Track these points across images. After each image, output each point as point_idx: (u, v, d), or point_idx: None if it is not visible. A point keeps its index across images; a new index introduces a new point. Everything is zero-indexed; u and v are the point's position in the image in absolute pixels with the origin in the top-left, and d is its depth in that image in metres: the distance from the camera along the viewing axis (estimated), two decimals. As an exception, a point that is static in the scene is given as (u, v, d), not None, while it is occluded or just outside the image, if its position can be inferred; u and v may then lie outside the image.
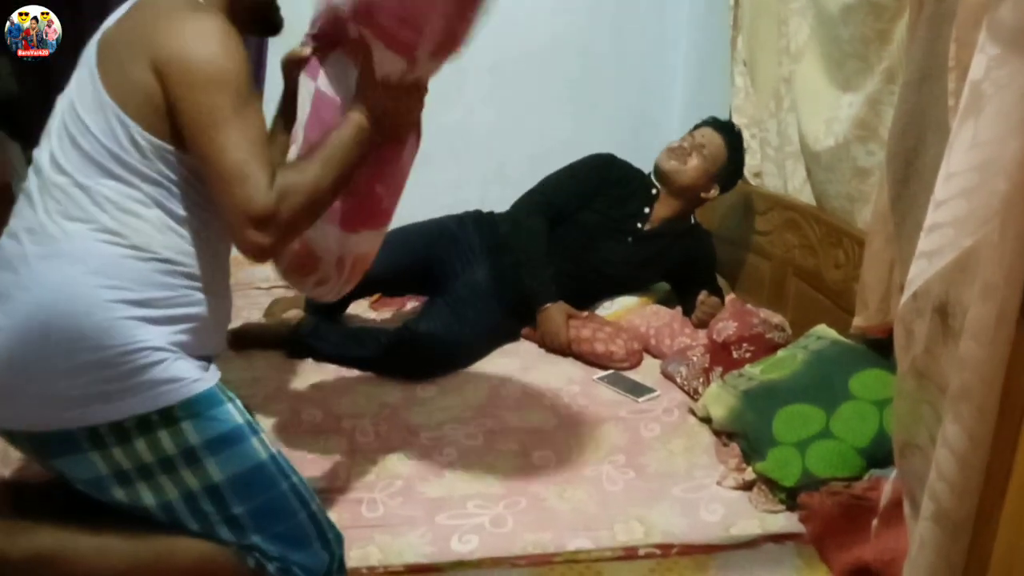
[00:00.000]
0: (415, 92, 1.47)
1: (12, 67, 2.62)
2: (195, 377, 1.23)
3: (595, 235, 2.52)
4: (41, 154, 1.26)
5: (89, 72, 1.23)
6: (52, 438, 1.21)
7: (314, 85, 1.44)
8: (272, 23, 1.44)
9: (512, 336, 2.45)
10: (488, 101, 3.22)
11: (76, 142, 1.21)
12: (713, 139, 2.53)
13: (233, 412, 1.27)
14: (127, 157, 1.20)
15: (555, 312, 2.33)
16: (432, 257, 2.48)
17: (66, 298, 1.16)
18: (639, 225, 2.56)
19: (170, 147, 1.21)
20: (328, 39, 1.43)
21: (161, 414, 1.20)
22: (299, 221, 1.24)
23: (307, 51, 1.43)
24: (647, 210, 2.57)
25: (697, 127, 2.61)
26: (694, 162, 2.51)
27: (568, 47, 3.26)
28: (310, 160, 1.27)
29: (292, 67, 1.47)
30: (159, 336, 1.21)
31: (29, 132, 2.66)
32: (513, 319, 2.43)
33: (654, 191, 2.58)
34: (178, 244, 1.25)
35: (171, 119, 1.20)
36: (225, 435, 1.25)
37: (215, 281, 1.32)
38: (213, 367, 1.31)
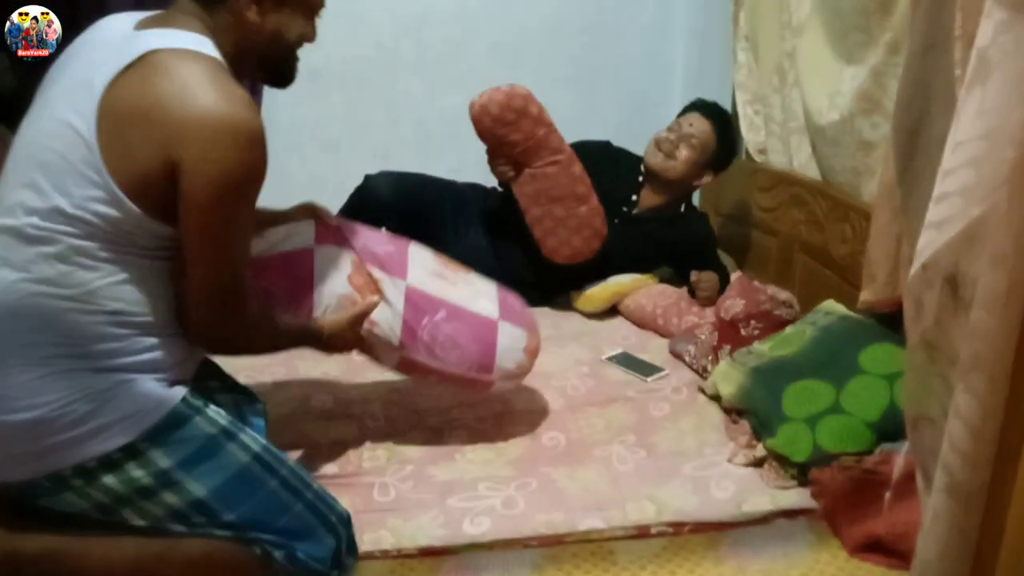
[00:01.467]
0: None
1: (10, 61, 2.62)
2: (151, 406, 1.18)
3: None
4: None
5: (81, 122, 1.13)
6: (23, 486, 1.18)
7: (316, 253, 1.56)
8: (287, 75, 1.39)
9: None
10: (488, 82, 3.20)
11: (39, 188, 1.14)
12: (701, 126, 2.50)
13: (203, 424, 1.23)
14: (93, 214, 1.13)
15: None
16: (440, 207, 2.53)
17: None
18: (625, 209, 2.57)
19: (148, 218, 1.15)
20: (359, 252, 1.59)
21: (123, 450, 1.17)
22: (231, 346, 1.38)
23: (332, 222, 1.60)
24: (634, 197, 2.58)
25: (683, 113, 2.59)
26: (683, 154, 2.49)
27: (568, 25, 3.23)
28: (268, 326, 1.43)
29: (310, 214, 1.61)
30: (102, 380, 1.16)
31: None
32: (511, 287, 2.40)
33: (641, 178, 2.57)
34: (128, 294, 1.18)
35: (164, 199, 1.15)
36: (198, 451, 1.21)
37: (172, 323, 1.25)
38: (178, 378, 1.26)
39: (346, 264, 1.57)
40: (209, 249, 1.18)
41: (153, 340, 1.22)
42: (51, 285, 1.13)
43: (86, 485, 1.17)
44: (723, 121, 2.54)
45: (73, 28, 2.07)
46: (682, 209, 2.66)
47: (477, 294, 1.73)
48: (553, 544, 1.46)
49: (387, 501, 1.54)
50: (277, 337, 1.44)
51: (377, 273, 1.58)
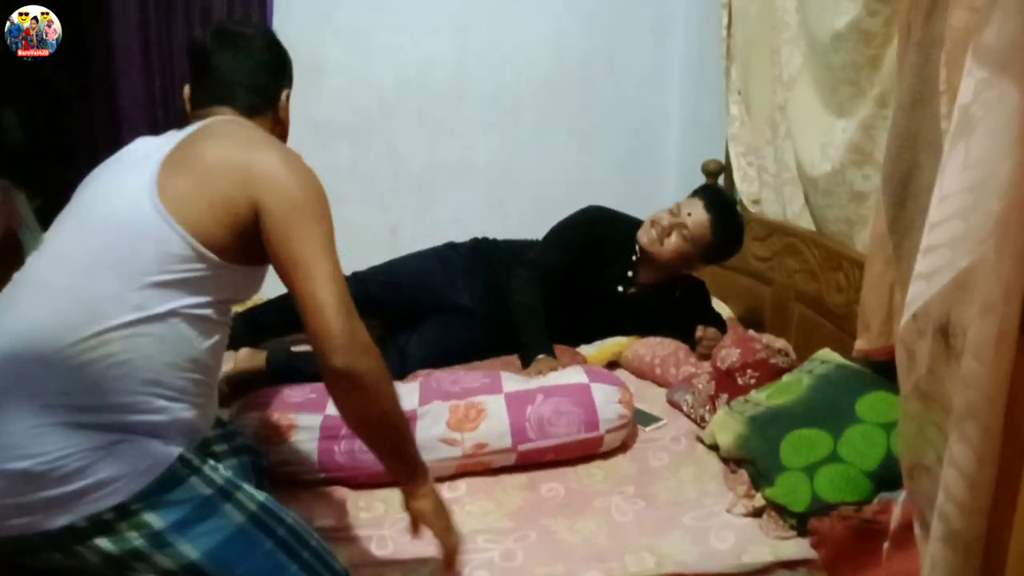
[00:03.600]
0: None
1: (19, 118, 2.66)
2: (146, 466, 1.17)
3: (580, 295, 2.53)
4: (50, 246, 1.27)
5: (143, 191, 1.22)
6: (14, 542, 1.16)
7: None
8: None
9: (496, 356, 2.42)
10: (488, 134, 3.26)
11: (91, 252, 1.21)
12: (699, 217, 2.38)
13: (198, 485, 1.21)
14: (142, 269, 1.19)
15: (543, 366, 2.19)
16: (423, 282, 2.53)
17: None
18: (621, 289, 2.55)
19: (216, 259, 1.24)
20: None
21: (115, 511, 1.14)
22: (372, 363, 1.26)
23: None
24: (630, 273, 2.55)
25: (691, 196, 2.47)
26: (672, 243, 2.40)
27: (565, 78, 3.30)
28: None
29: None
30: (100, 438, 1.14)
31: (35, 181, 2.72)
32: (500, 341, 2.41)
33: (635, 257, 2.52)
34: (154, 353, 1.20)
35: (242, 238, 1.25)
36: (192, 513, 1.19)
37: (192, 392, 1.26)
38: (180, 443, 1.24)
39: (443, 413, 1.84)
40: (315, 265, 1.23)
41: (166, 404, 1.21)
42: (71, 332, 1.15)
43: (76, 544, 1.15)
44: (724, 215, 2.40)
45: (73, 29, 2.10)
46: (677, 294, 2.60)
47: (563, 375, 2.00)
48: (552, 597, 1.45)
49: (385, 554, 1.53)
50: (397, 400, 1.33)
51: (478, 399, 1.86)
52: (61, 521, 1.13)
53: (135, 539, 1.16)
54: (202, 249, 1.21)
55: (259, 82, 1.46)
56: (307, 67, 3.06)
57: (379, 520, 1.63)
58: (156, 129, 2.69)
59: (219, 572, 1.20)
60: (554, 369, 2.11)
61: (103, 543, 1.15)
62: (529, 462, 1.83)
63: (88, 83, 2.55)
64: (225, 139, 1.30)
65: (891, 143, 1.49)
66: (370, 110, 3.13)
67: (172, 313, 1.21)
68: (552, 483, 1.80)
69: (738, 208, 2.60)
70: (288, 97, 1.53)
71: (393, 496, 1.71)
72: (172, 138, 1.32)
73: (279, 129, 1.51)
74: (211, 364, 1.32)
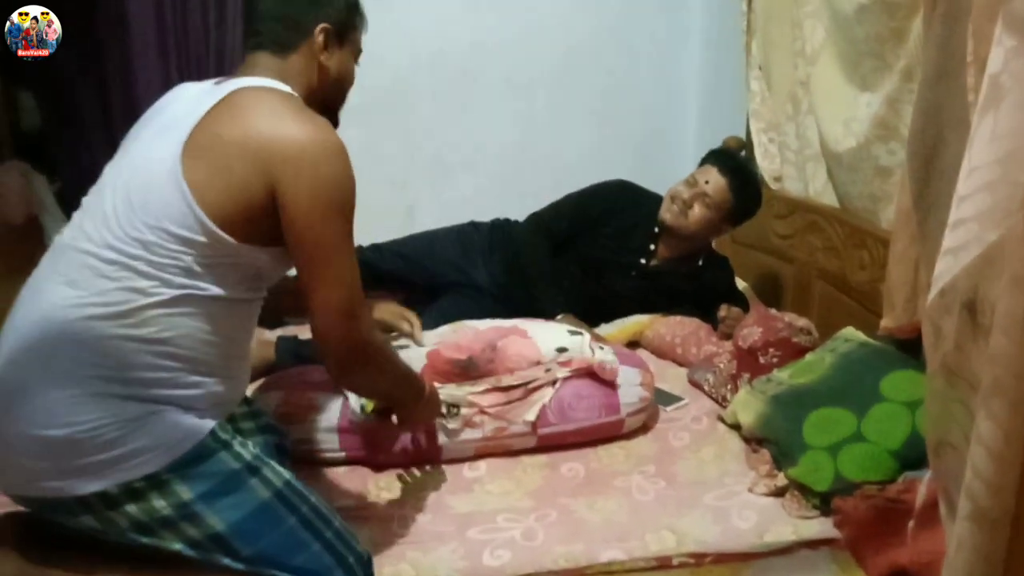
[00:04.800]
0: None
1: (36, 100, 2.67)
2: (179, 438, 1.19)
3: (600, 267, 2.51)
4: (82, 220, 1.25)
5: (169, 158, 1.21)
6: (49, 504, 1.20)
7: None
8: (338, 116, 1.49)
9: None
10: (503, 114, 3.24)
11: (120, 217, 1.20)
12: (717, 183, 2.40)
13: (227, 459, 1.23)
14: (177, 247, 1.19)
15: (568, 322, 2.23)
16: (443, 259, 2.53)
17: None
18: (643, 261, 2.53)
19: (245, 246, 1.22)
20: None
21: (146, 480, 1.18)
22: (369, 364, 1.34)
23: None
24: (652, 247, 2.53)
25: (702, 164, 2.49)
26: (696, 214, 2.40)
27: (582, 57, 3.26)
28: (390, 353, 1.49)
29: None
30: (135, 409, 1.17)
31: (54, 164, 2.73)
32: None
33: (656, 229, 2.50)
34: (185, 330, 1.21)
35: (261, 226, 1.22)
36: (220, 486, 1.22)
37: (224, 366, 1.28)
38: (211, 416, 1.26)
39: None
40: (325, 265, 1.23)
41: (199, 379, 1.23)
42: (108, 309, 1.16)
43: (108, 510, 1.18)
44: (740, 176, 2.43)
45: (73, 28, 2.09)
46: (700, 262, 2.58)
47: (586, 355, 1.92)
48: (573, 576, 1.45)
49: (406, 533, 1.53)
50: (396, 366, 1.47)
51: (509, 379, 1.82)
52: (94, 487, 1.16)
53: (164, 508, 1.19)
54: (221, 234, 1.19)
55: (289, 10, 1.36)
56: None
57: (400, 500, 1.63)
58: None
59: (242, 544, 1.23)
60: (580, 325, 2.14)
61: (133, 510, 1.18)
62: (549, 445, 1.83)
63: (102, 66, 2.55)
64: (247, 113, 1.23)
65: (916, 117, 1.47)
66: (384, 90, 3.11)
67: (204, 292, 1.21)
68: (572, 463, 1.79)
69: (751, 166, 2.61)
70: (331, 35, 1.38)
71: (412, 476, 1.72)
72: (207, 97, 1.27)
73: (320, 76, 1.39)
74: (243, 337, 1.35)
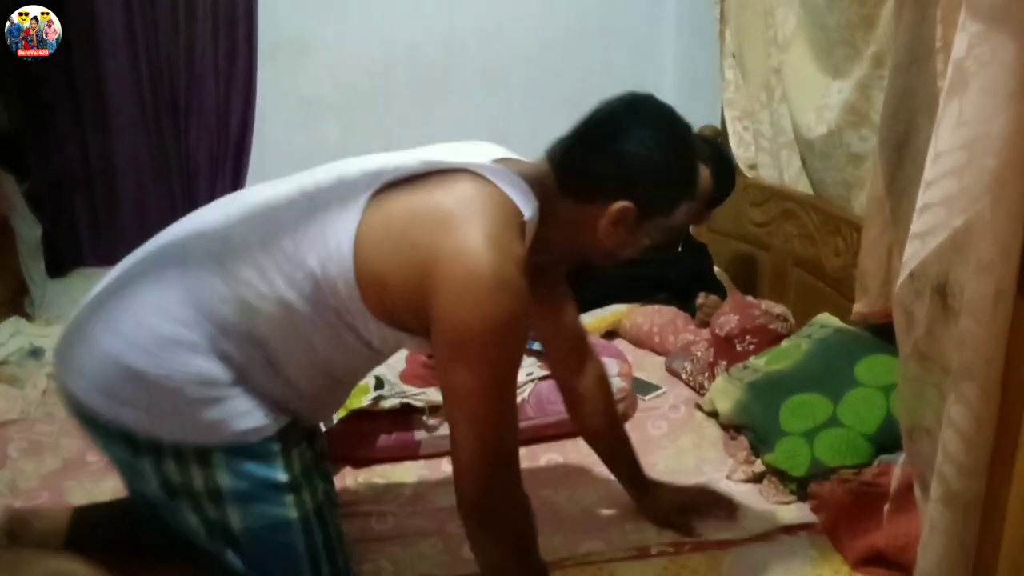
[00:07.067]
0: None
1: (4, 101, 2.63)
2: (247, 425, 1.17)
3: None
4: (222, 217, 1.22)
5: (345, 218, 1.14)
6: (99, 425, 1.17)
7: None
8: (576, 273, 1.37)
9: None
10: (480, 107, 3.24)
11: (272, 246, 1.15)
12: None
13: (277, 468, 1.20)
14: (314, 289, 1.14)
15: None
16: None
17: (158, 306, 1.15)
18: None
19: (372, 317, 1.15)
20: None
21: (196, 451, 1.16)
22: (501, 530, 1.19)
23: None
24: None
25: None
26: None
27: (556, 48, 3.27)
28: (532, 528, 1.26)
29: None
30: (224, 372, 1.15)
31: (23, 165, 2.70)
32: None
33: None
34: (291, 333, 1.17)
35: (395, 310, 1.14)
36: (256, 490, 1.19)
37: (310, 395, 1.25)
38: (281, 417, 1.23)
39: None
40: (468, 414, 1.09)
41: (286, 389, 1.21)
42: (269, 285, 1.13)
43: (147, 454, 1.16)
44: (719, 162, 2.38)
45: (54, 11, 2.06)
46: (679, 248, 2.59)
47: None
48: (554, 567, 1.44)
49: (385, 529, 1.53)
50: (518, 545, 1.22)
51: None
52: (152, 430, 1.15)
53: (198, 483, 1.17)
54: (357, 296, 1.13)
55: (593, 167, 1.20)
56: (295, 43, 3.04)
57: (379, 496, 1.63)
58: (144, 110, 2.70)
59: (247, 546, 1.22)
60: None
61: (170, 468, 1.17)
62: (529, 438, 1.83)
63: (71, 65, 2.52)
64: (440, 200, 1.13)
65: (887, 103, 1.47)
66: (359, 86, 3.10)
67: (321, 319, 1.16)
68: (552, 454, 1.80)
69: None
70: (631, 216, 1.18)
71: (393, 472, 1.71)
72: (413, 156, 1.28)
73: (590, 241, 1.22)
74: (344, 382, 1.32)
